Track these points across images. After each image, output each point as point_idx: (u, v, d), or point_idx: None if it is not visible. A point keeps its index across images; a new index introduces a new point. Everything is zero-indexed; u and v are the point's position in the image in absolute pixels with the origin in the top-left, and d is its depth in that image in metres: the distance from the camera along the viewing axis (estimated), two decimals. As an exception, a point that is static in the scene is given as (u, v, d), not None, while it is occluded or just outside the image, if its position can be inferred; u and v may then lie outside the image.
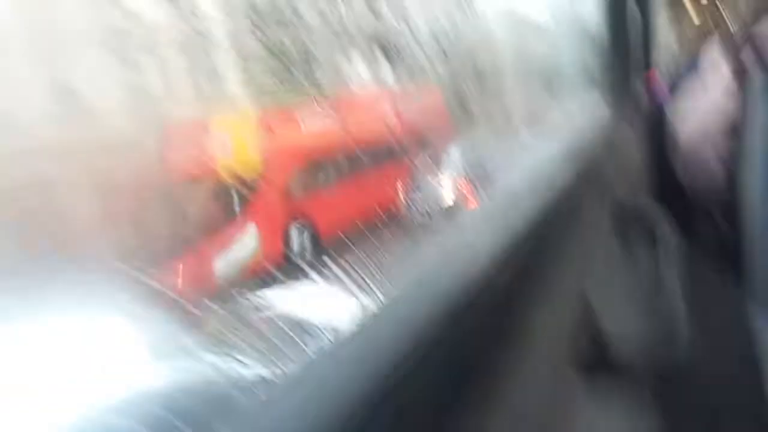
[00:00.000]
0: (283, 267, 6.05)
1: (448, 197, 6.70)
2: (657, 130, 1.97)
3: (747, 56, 1.17)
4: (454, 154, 7.05)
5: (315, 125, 7.18)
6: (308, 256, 6.49)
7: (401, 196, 7.25)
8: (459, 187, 6.59)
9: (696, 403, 1.26)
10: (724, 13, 1.93)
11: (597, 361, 0.38)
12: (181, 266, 5.31)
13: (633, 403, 0.59)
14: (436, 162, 7.12)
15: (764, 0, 1.32)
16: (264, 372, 2.47)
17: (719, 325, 1.49)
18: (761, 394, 0.90)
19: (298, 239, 6.58)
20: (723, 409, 1.23)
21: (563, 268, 0.40)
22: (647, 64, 3.09)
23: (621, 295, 0.67)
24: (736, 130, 1.22)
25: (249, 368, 2.59)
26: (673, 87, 1.85)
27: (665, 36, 2.99)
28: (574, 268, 0.44)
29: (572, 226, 0.46)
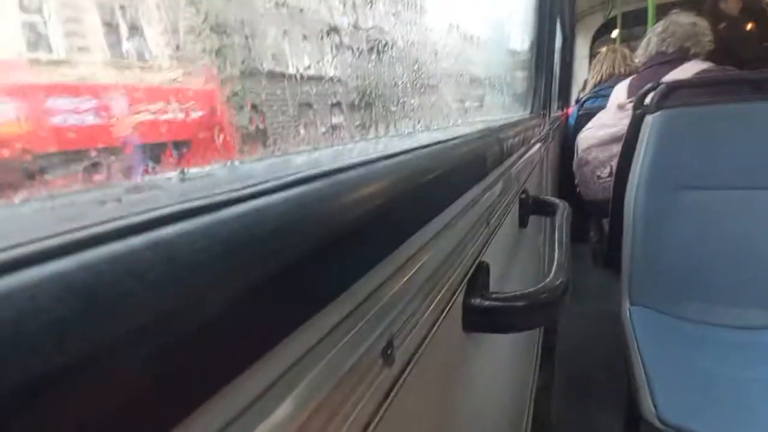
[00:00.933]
0: None
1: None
2: (564, 144, 2.21)
3: (640, 92, 1.39)
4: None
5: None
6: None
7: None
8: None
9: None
10: (626, 59, 2.32)
11: (483, 318, 0.42)
12: None
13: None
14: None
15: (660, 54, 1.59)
16: None
17: (595, 311, 1.71)
18: (629, 376, 1.04)
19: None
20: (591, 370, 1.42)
21: (467, 236, 0.44)
22: (566, 91, 3.50)
23: (515, 265, 0.76)
24: (623, 152, 1.42)
25: None
26: (582, 112, 2.10)
27: (584, 72, 3.43)
28: (476, 238, 0.48)
29: (482, 196, 0.51)
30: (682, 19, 1.60)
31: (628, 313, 1.26)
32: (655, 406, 0.88)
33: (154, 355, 0.10)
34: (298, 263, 0.16)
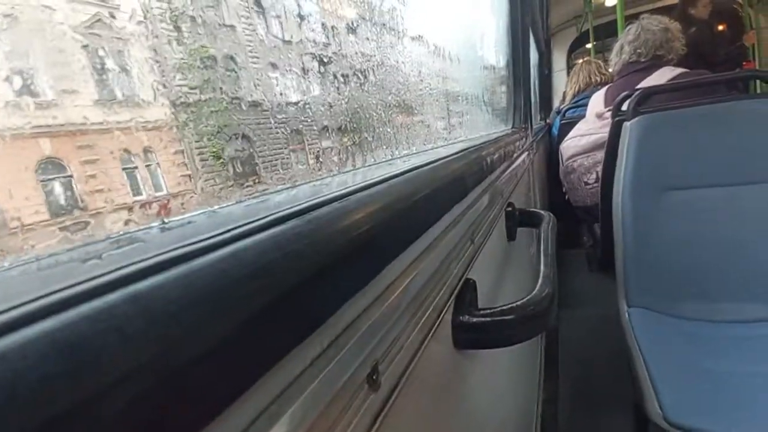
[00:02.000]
0: None
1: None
2: (550, 154, 2.25)
3: (617, 100, 1.43)
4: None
5: None
6: None
7: None
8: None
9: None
10: (601, 68, 2.40)
11: (472, 335, 0.43)
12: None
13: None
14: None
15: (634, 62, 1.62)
16: None
17: (595, 315, 1.72)
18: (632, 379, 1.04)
19: None
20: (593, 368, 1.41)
21: (451, 255, 0.45)
22: (547, 103, 3.59)
23: (506, 279, 0.76)
24: (607, 159, 1.45)
25: None
26: (564, 122, 2.16)
27: (564, 84, 3.55)
28: (462, 255, 0.49)
29: (464, 215, 0.52)
30: (653, 25, 1.62)
31: (626, 316, 1.26)
32: (661, 408, 0.88)
33: (134, 403, 0.11)
34: (273, 303, 0.17)
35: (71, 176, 0.26)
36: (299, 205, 0.24)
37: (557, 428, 1.31)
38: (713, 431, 0.82)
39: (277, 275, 0.18)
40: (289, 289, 0.18)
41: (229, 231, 0.19)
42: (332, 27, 0.50)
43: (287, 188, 0.32)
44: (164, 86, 0.30)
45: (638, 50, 1.60)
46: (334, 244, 0.22)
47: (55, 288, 0.12)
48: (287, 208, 0.23)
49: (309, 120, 0.43)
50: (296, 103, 0.43)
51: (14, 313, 0.11)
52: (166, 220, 0.20)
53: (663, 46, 1.59)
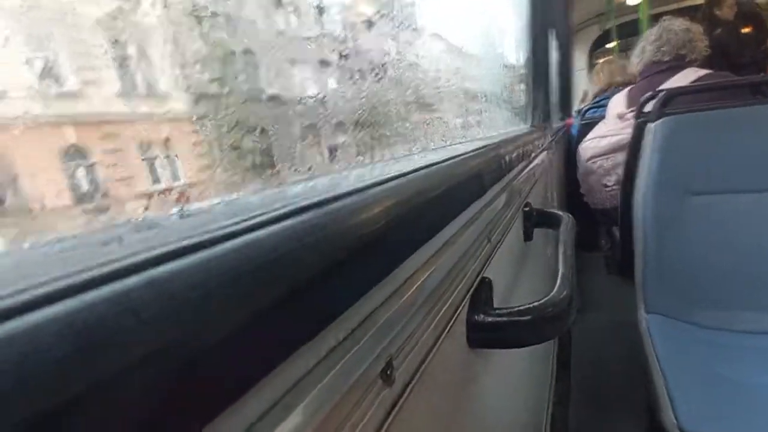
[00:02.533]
0: None
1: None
2: (569, 155, 2.21)
3: (641, 101, 1.39)
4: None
5: None
6: None
7: None
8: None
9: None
10: (624, 69, 2.34)
11: (489, 335, 0.42)
12: None
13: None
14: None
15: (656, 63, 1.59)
16: None
17: (611, 320, 1.69)
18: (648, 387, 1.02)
19: None
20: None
21: (467, 253, 0.45)
22: (566, 103, 3.53)
23: (522, 280, 0.75)
24: (629, 161, 1.42)
25: None
26: (584, 122, 2.12)
27: (584, 83, 3.49)
28: (478, 254, 0.49)
29: (481, 213, 0.52)
30: (676, 25, 1.59)
31: (644, 322, 1.24)
32: (676, 417, 0.85)
33: (151, 387, 0.11)
34: (289, 293, 0.16)
35: (94, 163, 0.27)
36: (317, 197, 0.24)
37: (567, 429, 1.29)
38: (730, 443, 0.80)
39: (295, 265, 0.17)
40: (306, 279, 0.17)
41: (247, 220, 0.19)
42: (352, 23, 0.50)
43: (305, 180, 0.31)
44: (185, 78, 0.30)
45: (661, 49, 1.57)
46: (351, 237, 0.22)
47: (73, 270, 0.12)
48: (305, 200, 0.23)
49: (327, 114, 0.43)
50: (315, 98, 0.43)
51: (31, 294, 0.11)
52: (185, 208, 0.20)
53: (686, 46, 1.55)
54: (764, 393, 0.91)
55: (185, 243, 0.15)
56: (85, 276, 0.12)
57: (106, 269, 0.13)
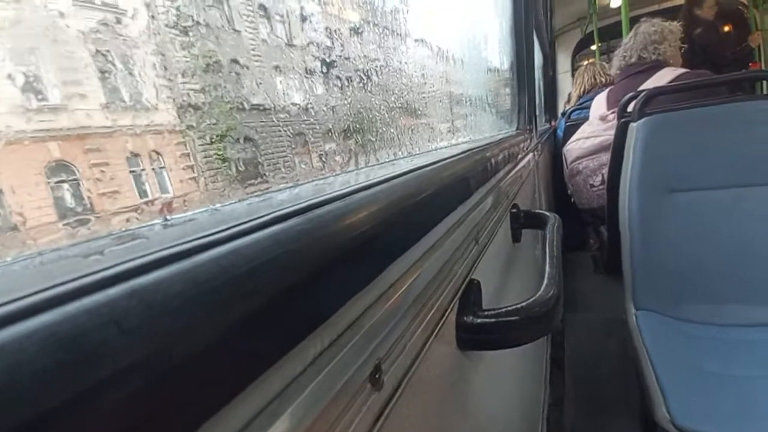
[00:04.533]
0: None
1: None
2: (555, 156, 2.24)
3: (622, 102, 1.42)
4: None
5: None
6: None
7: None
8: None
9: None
10: (605, 70, 2.40)
11: (477, 336, 0.43)
12: None
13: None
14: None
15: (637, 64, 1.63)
16: None
17: (602, 318, 1.70)
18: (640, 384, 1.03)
19: None
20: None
21: (455, 255, 0.45)
22: (552, 105, 3.58)
23: (511, 281, 0.76)
24: (613, 160, 1.44)
25: None
26: (569, 123, 2.15)
27: (569, 86, 3.55)
28: (466, 256, 0.49)
29: (468, 215, 0.52)
30: (650, 27, 1.64)
31: (634, 318, 1.25)
32: (668, 412, 0.87)
33: (133, 398, 0.11)
34: (273, 299, 0.17)
35: (78, 179, 0.27)
36: (301, 203, 0.24)
37: (563, 429, 1.30)
38: (722, 436, 0.81)
39: (279, 272, 0.18)
40: (290, 286, 0.18)
41: (231, 228, 0.19)
42: (336, 30, 0.50)
43: (290, 187, 0.32)
44: (170, 89, 0.31)
45: (637, 52, 1.62)
46: (336, 242, 0.22)
47: (56, 282, 0.12)
48: (289, 207, 0.23)
49: (312, 122, 0.43)
50: (299, 105, 0.43)
51: (14, 306, 0.11)
52: (168, 218, 0.20)
53: (656, 44, 1.60)
54: (751, 385, 0.93)
55: (167, 252, 0.15)
56: (67, 287, 0.12)
57: (88, 280, 0.13)
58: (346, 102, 0.48)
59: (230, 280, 0.15)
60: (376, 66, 0.56)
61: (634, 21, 2.32)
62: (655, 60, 1.58)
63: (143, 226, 0.20)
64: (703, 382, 0.96)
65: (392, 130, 0.59)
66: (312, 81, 0.45)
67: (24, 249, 0.16)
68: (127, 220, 0.21)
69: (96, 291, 0.12)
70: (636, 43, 1.62)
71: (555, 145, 2.30)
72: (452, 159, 0.51)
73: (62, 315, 0.11)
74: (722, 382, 0.95)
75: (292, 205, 0.23)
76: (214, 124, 0.31)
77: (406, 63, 0.66)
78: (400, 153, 0.58)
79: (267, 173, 0.35)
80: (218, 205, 0.24)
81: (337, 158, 0.45)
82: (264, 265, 0.17)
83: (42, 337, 0.11)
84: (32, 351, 0.10)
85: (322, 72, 0.45)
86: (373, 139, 0.52)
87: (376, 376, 0.24)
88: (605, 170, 1.54)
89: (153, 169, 0.30)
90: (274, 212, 0.22)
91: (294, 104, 0.42)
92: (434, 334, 0.35)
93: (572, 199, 1.77)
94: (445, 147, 0.78)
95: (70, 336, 0.11)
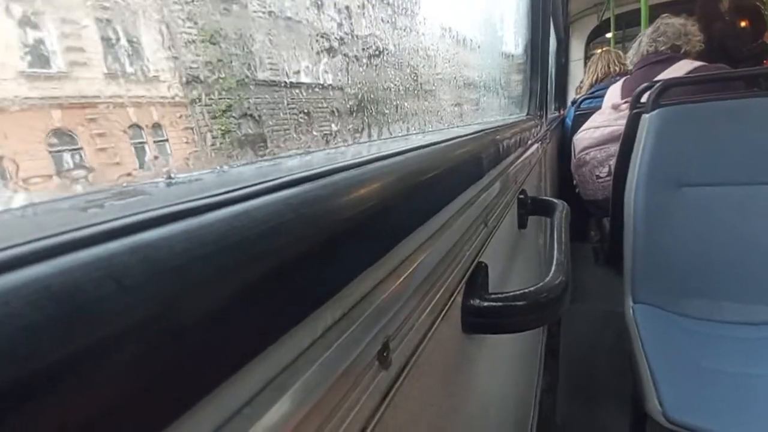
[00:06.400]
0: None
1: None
2: (562, 146, 2.21)
3: (636, 91, 1.39)
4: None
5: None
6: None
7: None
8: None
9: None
10: (620, 59, 2.34)
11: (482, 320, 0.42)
12: None
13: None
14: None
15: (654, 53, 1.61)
16: None
17: (599, 310, 1.71)
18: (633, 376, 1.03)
19: None
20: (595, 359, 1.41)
21: (464, 236, 0.44)
22: (562, 93, 3.52)
23: (516, 266, 0.75)
24: (621, 151, 1.42)
25: None
26: (579, 113, 2.11)
27: (581, 74, 3.47)
28: (474, 238, 0.48)
29: (478, 197, 0.51)
30: (673, 20, 1.62)
31: (631, 311, 1.25)
32: (661, 404, 0.87)
33: (135, 359, 0.10)
34: (285, 266, 0.15)
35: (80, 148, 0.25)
36: (314, 169, 0.22)
37: (555, 418, 1.31)
38: (713, 431, 0.81)
39: (290, 237, 0.16)
40: (303, 252, 0.16)
41: (240, 189, 0.17)
42: (346, 7, 0.48)
43: (301, 153, 0.30)
44: (175, 60, 0.29)
45: (657, 40, 1.59)
46: (349, 211, 0.21)
47: (49, 233, 0.11)
48: (301, 172, 0.21)
49: (321, 99, 0.41)
50: (307, 84, 0.41)
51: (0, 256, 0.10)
52: (172, 176, 0.19)
53: (681, 37, 1.58)
54: (747, 383, 0.93)
55: (171, 209, 0.14)
56: (62, 239, 0.11)
57: (85, 232, 0.11)
58: (355, 81, 0.46)
59: (240, 242, 0.14)
60: (388, 45, 0.53)
61: (652, 9, 2.25)
62: (676, 50, 1.55)
63: (145, 183, 0.18)
64: (697, 377, 0.97)
65: (405, 105, 0.57)
66: (321, 59, 0.43)
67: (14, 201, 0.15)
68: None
69: (93, 244, 0.11)
70: (664, 31, 1.59)
71: (563, 135, 2.26)
72: (465, 137, 0.50)
73: (55, 267, 0.10)
74: (717, 378, 0.96)
75: (305, 171, 0.22)
76: (220, 98, 0.29)
77: (425, 45, 0.63)
78: (412, 129, 0.56)
79: (273, 146, 0.33)
80: (225, 167, 0.23)
81: (348, 138, 0.43)
82: (276, 229, 0.16)
83: (32, 290, 0.09)
84: (20, 306, 0.09)
85: (332, 50, 0.43)
86: (387, 112, 0.51)
87: (384, 354, 0.23)
88: (612, 161, 1.51)
89: (156, 141, 0.28)
90: (286, 176, 0.20)
91: (303, 82, 0.40)
92: (441, 315, 0.34)
93: (577, 190, 1.75)
94: (457, 127, 0.76)
95: (63, 290, 0.10)
